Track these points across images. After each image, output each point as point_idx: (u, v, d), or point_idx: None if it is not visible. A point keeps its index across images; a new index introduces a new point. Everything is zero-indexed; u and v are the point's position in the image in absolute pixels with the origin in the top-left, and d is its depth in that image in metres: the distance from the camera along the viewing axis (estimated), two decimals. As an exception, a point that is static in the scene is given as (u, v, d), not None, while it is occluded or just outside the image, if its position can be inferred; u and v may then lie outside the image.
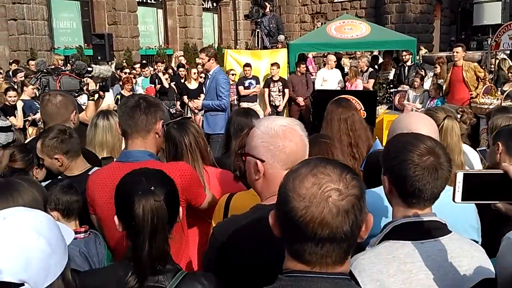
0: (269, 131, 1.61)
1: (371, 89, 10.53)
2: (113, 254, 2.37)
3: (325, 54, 12.47)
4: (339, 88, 10.29)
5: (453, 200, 1.18)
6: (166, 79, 10.49)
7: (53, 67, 7.33)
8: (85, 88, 4.70)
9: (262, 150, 1.61)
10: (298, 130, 1.64)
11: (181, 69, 11.18)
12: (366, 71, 10.92)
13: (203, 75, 11.14)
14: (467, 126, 3.52)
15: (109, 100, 6.58)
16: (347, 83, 10.37)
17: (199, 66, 12.71)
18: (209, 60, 6.44)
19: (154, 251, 1.55)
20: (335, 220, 1.07)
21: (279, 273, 1.18)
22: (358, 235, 1.14)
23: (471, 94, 8.17)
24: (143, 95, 2.37)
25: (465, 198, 1.18)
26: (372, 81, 10.75)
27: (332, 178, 1.10)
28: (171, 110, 10.23)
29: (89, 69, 5.05)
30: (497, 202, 1.17)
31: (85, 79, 4.87)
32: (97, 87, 4.77)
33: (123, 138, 2.42)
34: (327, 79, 10.67)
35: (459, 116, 3.47)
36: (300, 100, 10.38)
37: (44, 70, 5.38)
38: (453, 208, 1.84)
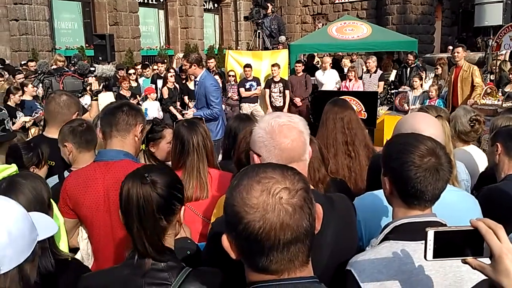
0: (267, 126, 1.60)
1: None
2: (96, 254, 2.41)
3: (324, 55, 12.48)
4: (336, 89, 10.26)
5: (425, 258, 1.20)
6: (172, 76, 10.34)
7: (54, 67, 7.31)
8: (88, 88, 4.69)
9: (258, 144, 1.60)
10: (298, 127, 1.61)
11: (182, 73, 11.18)
12: (375, 72, 10.34)
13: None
14: (476, 135, 3.51)
15: (110, 100, 6.58)
16: (344, 83, 10.28)
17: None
18: (191, 67, 6.09)
19: (148, 237, 1.54)
20: (293, 220, 1.05)
21: None
22: (315, 227, 1.12)
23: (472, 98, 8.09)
24: (127, 101, 2.50)
25: (436, 255, 1.19)
26: (382, 83, 10.35)
27: (276, 179, 1.08)
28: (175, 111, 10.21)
29: (92, 69, 5.01)
30: (468, 258, 1.18)
31: (88, 79, 4.85)
32: (100, 87, 4.75)
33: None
34: (324, 81, 10.66)
35: (471, 124, 3.44)
36: (297, 100, 10.37)
37: (46, 71, 5.36)
38: (454, 209, 1.85)
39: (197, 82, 6.30)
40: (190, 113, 6.42)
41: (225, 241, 1.13)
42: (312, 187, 2.23)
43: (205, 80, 6.11)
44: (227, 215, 1.11)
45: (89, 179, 2.34)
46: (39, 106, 7.50)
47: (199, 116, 6.04)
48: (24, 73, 9.94)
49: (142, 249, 1.55)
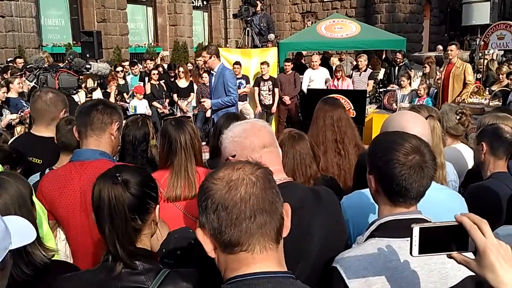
0: (233, 129, 1.75)
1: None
2: (75, 255, 2.38)
3: (313, 53, 12.50)
4: (326, 87, 10.28)
5: (410, 253, 1.22)
6: (154, 74, 10.40)
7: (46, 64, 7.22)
8: (83, 85, 4.68)
9: (230, 146, 1.71)
10: (260, 123, 1.81)
11: (171, 71, 11.21)
12: (365, 70, 10.41)
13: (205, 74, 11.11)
14: (464, 128, 3.54)
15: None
16: (332, 82, 10.29)
17: (189, 64, 12.68)
18: (211, 58, 6.44)
19: (120, 239, 1.52)
20: (257, 188, 1.14)
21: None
22: (281, 213, 1.18)
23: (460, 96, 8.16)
24: (102, 99, 2.51)
25: (422, 251, 1.20)
26: (371, 82, 10.40)
27: (241, 163, 1.21)
28: (158, 110, 10.23)
29: (88, 66, 5.00)
30: (453, 253, 1.19)
31: (83, 76, 4.83)
32: (95, 85, 4.75)
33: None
34: (314, 78, 10.68)
35: (457, 117, 3.47)
36: (286, 99, 10.37)
37: (42, 67, 5.31)
38: (442, 207, 1.86)
39: (213, 74, 6.60)
40: (208, 101, 6.64)
41: (199, 233, 1.18)
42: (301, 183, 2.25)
43: (223, 70, 6.52)
44: (199, 199, 1.18)
45: (65, 180, 2.31)
46: (24, 104, 7.39)
47: (217, 105, 6.44)
48: (10, 70, 9.80)
49: (114, 251, 1.52)
